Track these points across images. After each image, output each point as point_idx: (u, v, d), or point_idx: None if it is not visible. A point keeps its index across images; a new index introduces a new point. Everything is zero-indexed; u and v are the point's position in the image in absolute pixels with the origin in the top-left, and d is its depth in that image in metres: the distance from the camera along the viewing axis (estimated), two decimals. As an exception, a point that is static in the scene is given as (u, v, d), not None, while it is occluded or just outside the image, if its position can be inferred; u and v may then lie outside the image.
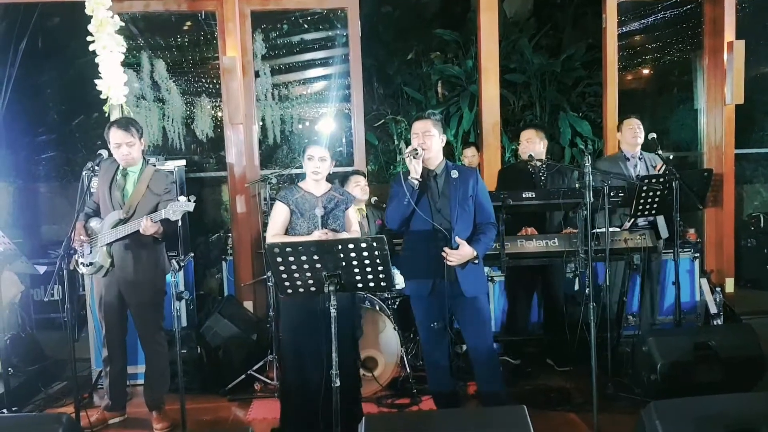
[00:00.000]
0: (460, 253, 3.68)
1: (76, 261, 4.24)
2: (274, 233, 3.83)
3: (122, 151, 4.10)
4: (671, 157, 5.40)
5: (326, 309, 3.34)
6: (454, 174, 3.81)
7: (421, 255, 3.77)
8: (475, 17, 6.55)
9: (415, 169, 3.70)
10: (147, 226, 3.90)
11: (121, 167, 4.18)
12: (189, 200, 3.85)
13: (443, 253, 3.68)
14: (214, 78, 7.66)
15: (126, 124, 4.16)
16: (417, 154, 3.69)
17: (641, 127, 5.24)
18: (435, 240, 3.72)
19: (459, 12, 9.07)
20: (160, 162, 5.48)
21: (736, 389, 3.87)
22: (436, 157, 3.82)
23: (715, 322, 5.29)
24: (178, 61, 7.78)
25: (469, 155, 6.38)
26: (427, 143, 3.75)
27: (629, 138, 5.26)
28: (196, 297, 5.79)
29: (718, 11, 6.20)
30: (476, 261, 3.75)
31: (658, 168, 5.15)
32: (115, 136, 4.10)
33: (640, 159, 5.27)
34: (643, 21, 8.34)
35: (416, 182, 3.70)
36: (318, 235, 3.67)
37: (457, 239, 3.69)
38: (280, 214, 3.85)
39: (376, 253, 3.09)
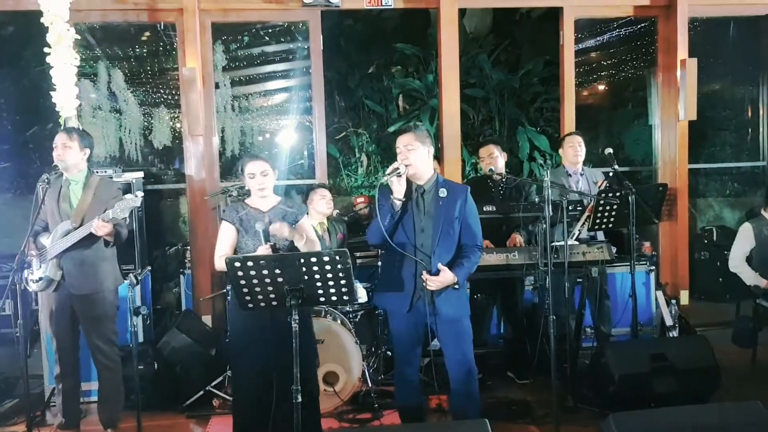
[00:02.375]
0: (440, 279, 3.57)
1: (26, 279, 4.14)
2: (222, 254, 3.73)
3: (57, 152, 4.10)
4: (626, 171, 5.51)
5: (277, 323, 3.38)
6: (443, 193, 3.67)
7: (400, 272, 3.67)
8: (435, 32, 6.61)
9: (398, 189, 3.57)
10: (98, 225, 3.84)
11: (64, 178, 4.12)
12: (135, 196, 3.82)
13: (422, 278, 3.58)
14: (172, 89, 7.57)
15: (69, 129, 4.23)
16: (399, 173, 3.56)
17: (582, 144, 5.35)
18: (415, 259, 3.63)
19: (420, 27, 9.12)
20: (117, 174, 5.39)
21: (692, 400, 3.95)
22: (424, 172, 3.68)
23: (670, 334, 5.38)
24: (136, 72, 7.67)
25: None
26: (410, 158, 3.60)
27: (570, 156, 5.37)
28: (153, 311, 5.69)
29: (671, 29, 6.35)
30: (456, 286, 3.64)
31: (599, 184, 5.23)
32: (56, 139, 4.12)
33: (581, 175, 5.38)
34: (599, 38, 8.53)
35: (398, 203, 3.58)
36: (262, 250, 3.55)
37: (439, 265, 3.59)
38: (226, 234, 3.77)
39: (339, 266, 3.08)
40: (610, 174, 5.29)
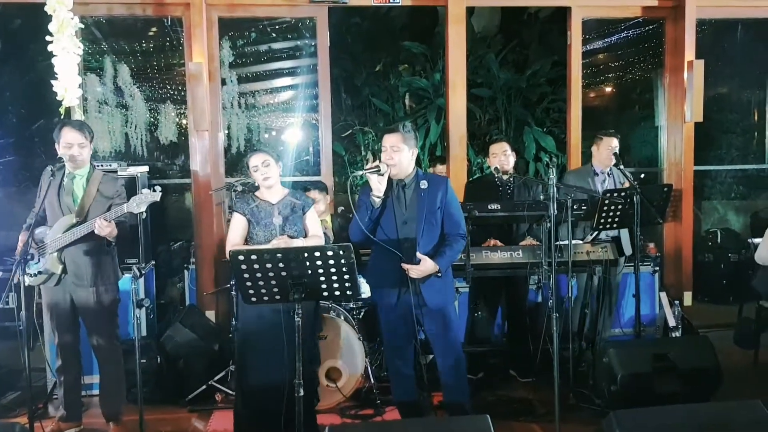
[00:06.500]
0: (420, 268, 3.65)
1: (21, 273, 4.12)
2: (234, 244, 3.80)
3: (73, 152, 4.04)
4: (637, 173, 5.47)
5: (288, 318, 3.36)
6: (423, 185, 3.75)
7: (386, 266, 3.74)
8: (443, 31, 6.61)
9: (377, 187, 3.63)
10: (101, 225, 3.84)
11: (67, 172, 4.09)
12: (154, 190, 3.78)
13: (403, 267, 3.65)
14: (179, 84, 7.57)
15: (80, 125, 4.16)
16: (380, 172, 3.62)
17: (617, 147, 5.25)
18: (400, 251, 3.69)
19: (427, 25, 9.11)
20: (123, 168, 5.39)
21: (693, 399, 3.94)
22: (405, 170, 3.76)
23: (673, 335, 5.37)
24: (142, 67, 7.67)
25: (440, 170, 6.39)
26: (394, 159, 3.68)
27: (604, 157, 5.28)
28: (157, 306, 5.69)
29: (678, 31, 6.35)
30: (439, 274, 3.71)
31: (624, 185, 5.20)
32: (67, 135, 4.05)
33: (609, 175, 5.33)
34: (606, 40, 8.51)
35: (377, 200, 3.64)
36: (276, 243, 3.65)
37: (419, 254, 3.65)
38: (238, 225, 3.84)
39: (342, 261, 3.08)
40: (642, 176, 5.21)
